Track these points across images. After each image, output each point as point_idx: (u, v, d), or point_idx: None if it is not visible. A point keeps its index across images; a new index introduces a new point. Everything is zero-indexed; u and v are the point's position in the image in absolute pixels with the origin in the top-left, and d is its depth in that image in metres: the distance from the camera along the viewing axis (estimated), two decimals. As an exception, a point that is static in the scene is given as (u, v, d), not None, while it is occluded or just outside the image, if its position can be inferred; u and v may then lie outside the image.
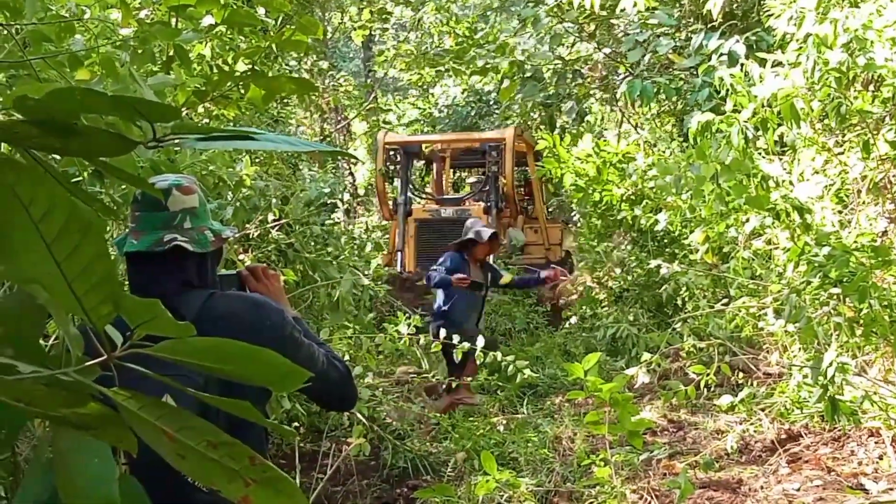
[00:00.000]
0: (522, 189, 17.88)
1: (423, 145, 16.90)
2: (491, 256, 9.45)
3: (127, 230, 2.99)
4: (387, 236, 17.47)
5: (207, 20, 4.43)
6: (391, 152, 15.89)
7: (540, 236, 16.19)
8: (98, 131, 1.25)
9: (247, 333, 2.85)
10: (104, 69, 3.63)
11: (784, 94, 6.50)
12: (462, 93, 22.34)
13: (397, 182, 16.17)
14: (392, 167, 15.82)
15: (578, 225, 17.64)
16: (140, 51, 3.99)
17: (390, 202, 15.86)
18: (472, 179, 18.22)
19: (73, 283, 1.13)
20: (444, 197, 16.71)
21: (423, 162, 17.99)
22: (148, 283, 2.91)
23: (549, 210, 17.59)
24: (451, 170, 18.72)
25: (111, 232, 4.81)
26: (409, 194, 15.77)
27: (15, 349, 1.23)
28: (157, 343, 1.19)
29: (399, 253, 14.96)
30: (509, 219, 15.78)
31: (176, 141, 1.39)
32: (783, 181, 6.64)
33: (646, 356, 7.48)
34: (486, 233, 10.05)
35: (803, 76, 6.60)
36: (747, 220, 6.55)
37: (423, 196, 16.80)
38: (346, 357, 8.12)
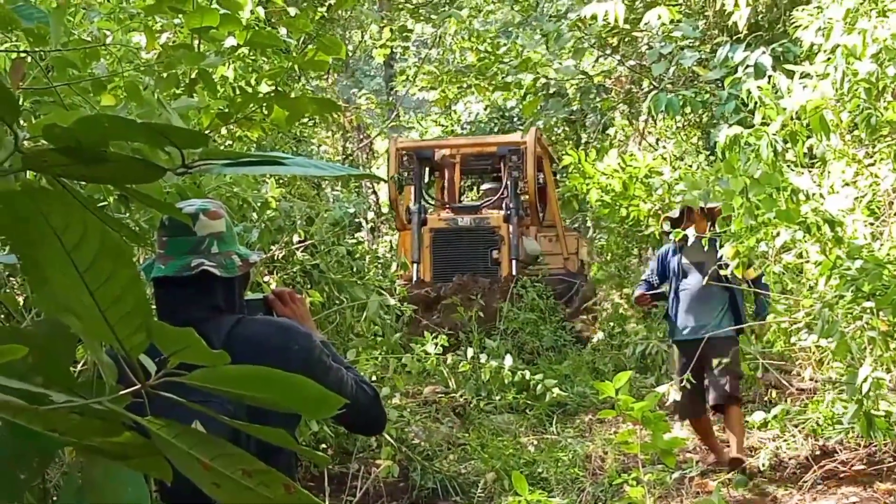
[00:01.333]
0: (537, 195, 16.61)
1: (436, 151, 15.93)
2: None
3: (154, 255, 2.99)
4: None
5: (230, 41, 4.43)
6: (404, 158, 15.05)
7: (556, 245, 15.35)
8: (127, 159, 1.25)
9: (275, 358, 2.83)
10: (128, 94, 3.63)
11: (813, 106, 6.43)
12: (484, 109, 22.32)
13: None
14: (405, 174, 14.97)
15: (592, 233, 17.38)
16: (165, 75, 3.97)
17: (403, 211, 15.10)
18: (486, 186, 17.09)
19: (107, 311, 1.13)
20: (461, 205, 15.95)
21: (433, 169, 16.85)
22: (175, 309, 2.90)
23: (568, 222, 17.10)
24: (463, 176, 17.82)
25: (137, 257, 4.79)
26: (422, 202, 14.94)
27: (45, 377, 1.22)
28: (190, 371, 1.19)
29: (416, 265, 13.95)
30: (528, 228, 15.06)
31: (204, 167, 1.39)
32: (813, 194, 6.56)
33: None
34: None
35: (832, 87, 6.54)
36: (777, 235, 6.48)
37: (438, 203, 16.02)
38: (373, 378, 8.09)
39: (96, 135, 1.18)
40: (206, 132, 4.69)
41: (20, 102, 3.36)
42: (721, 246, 7.03)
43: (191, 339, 1.18)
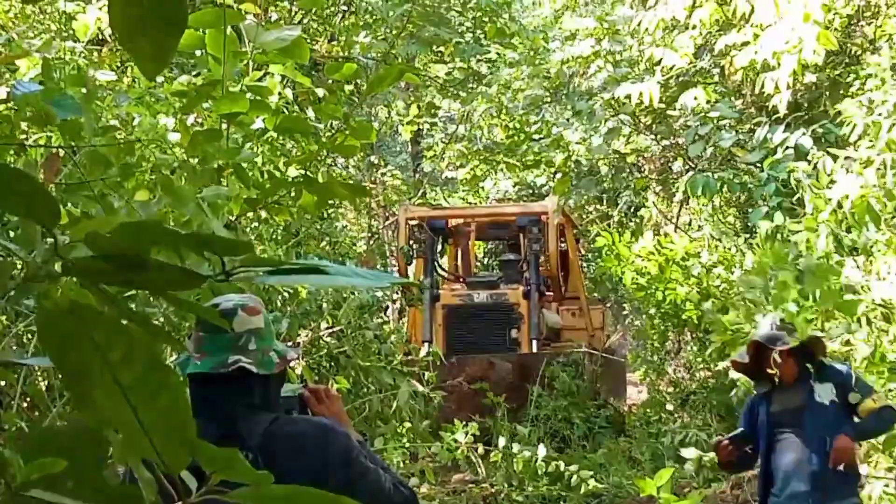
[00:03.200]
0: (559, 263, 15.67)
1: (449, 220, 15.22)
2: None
3: (190, 350, 2.98)
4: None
5: (258, 123, 4.41)
6: (414, 229, 14.27)
7: (580, 319, 14.41)
8: (168, 267, 1.25)
9: (313, 459, 2.87)
10: (163, 189, 3.59)
11: (859, 196, 6.28)
12: (514, 186, 22.29)
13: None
14: (416, 245, 14.17)
15: (630, 318, 17.11)
16: (198, 168, 3.95)
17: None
18: (505, 257, 16.03)
19: (150, 429, 1.14)
20: (476, 279, 14.94)
21: (447, 238, 16.05)
22: (211, 407, 2.88)
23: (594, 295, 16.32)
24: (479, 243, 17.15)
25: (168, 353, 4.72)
26: (434, 276, 14.21)
27: (75, 481, 1.20)
28: (232, 488, 1.19)
29: (427, 344, 12.32)
30: (550, 302, 14.25)
31: (245, 275, 1.39)
32: (863, 284, 6.40)
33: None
34: (780, 338, 5.94)
35: (876, 175, 6.41)
36: (833, 325, 6.28)
37: (451, 277, 15.29)
38: (401, 465, 7.95)
39: (138, 243, 1.21)
40: (233, 217, 4.66)
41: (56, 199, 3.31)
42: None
43: (234, 458, 1.18)
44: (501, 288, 14.03)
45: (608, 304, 17.31)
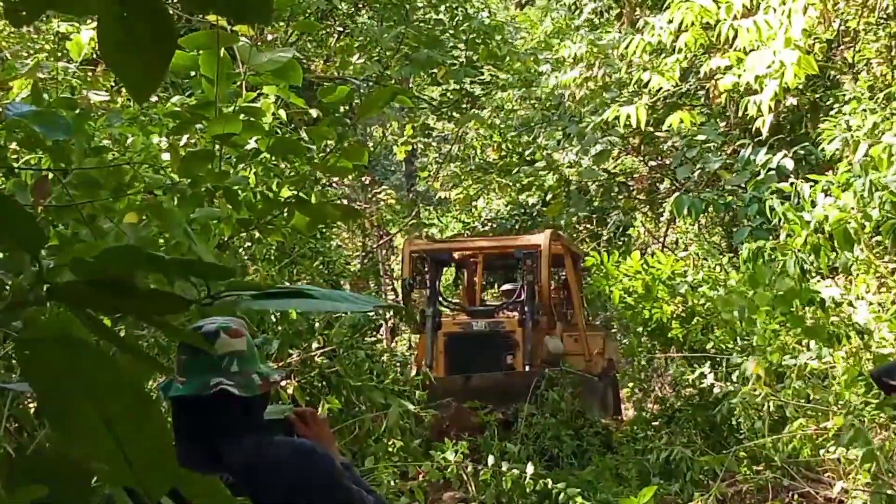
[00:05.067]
0: (562, 293, 16.28)
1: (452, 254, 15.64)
2: None
3: (173, 374, 2.96)
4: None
5: (251, 144, 4.44)
6: (418, 261, 14.59)
7: (578, 345, 14.67)
8: (153, 292, 1.26)
9: (295, 482, 2.85)
10: (151, 213, 3.62)
11: (836, 219, 6.40)
12: (506, 205, 22.36)
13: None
14: (419, 277, 14.53)
15: (619, 335, 17.15)
16: (189, 192, 3.97)
17: (419, 314, 14.48)
18: (505, 287, 16.55)
19: (133, 461, 1.13)
20: (476, 308, 15.40)
21: (452, 268, 16.77)
22: (194, 429, 2.87)
23: (589, 318, 16.59)
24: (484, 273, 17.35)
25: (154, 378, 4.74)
26: (437, 306, 14.43)
27: None
28: None
29: (429, 369, 12.54)
30: (547, 329, 14.36)
31: (230, 299, 1.41)
32: (839, 304, 6.51)
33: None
34: None
35: (854, 198, 6.52)
36: (807, 346, 6.41)
37: (453, 306, 15.60)
38: (391, 485, 7.98)
39: (123, 268, 1.21)
40: (225, 238, 4.69)
41: (43, 223, 3.37)
42: None
43: (215, 486, 1.19)
44: (499, 316, 14.52)
45: (602, 323, 17.42)
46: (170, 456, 1.14)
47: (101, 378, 1.07)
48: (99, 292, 1.22)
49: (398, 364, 11.27)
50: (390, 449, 8.15)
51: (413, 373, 9.70)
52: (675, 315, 9.12)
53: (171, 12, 1.37)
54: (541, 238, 14.25)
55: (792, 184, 7.29)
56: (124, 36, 1.31)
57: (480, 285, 17.29)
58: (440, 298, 14.91)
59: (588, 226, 18.69)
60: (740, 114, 9.94)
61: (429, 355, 13.68)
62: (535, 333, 13.82)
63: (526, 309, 13.86)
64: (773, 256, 6.75)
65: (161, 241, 3.78)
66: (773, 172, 9.87)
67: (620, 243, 17.35)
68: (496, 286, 20.09)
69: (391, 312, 14.97)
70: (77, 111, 4.17)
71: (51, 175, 3.71)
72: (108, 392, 1.08)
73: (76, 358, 1.07)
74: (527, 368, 13.11)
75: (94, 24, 4.43)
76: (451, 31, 16.45)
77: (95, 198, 3.68)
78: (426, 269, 14.57)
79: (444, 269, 15.54)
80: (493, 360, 13.67)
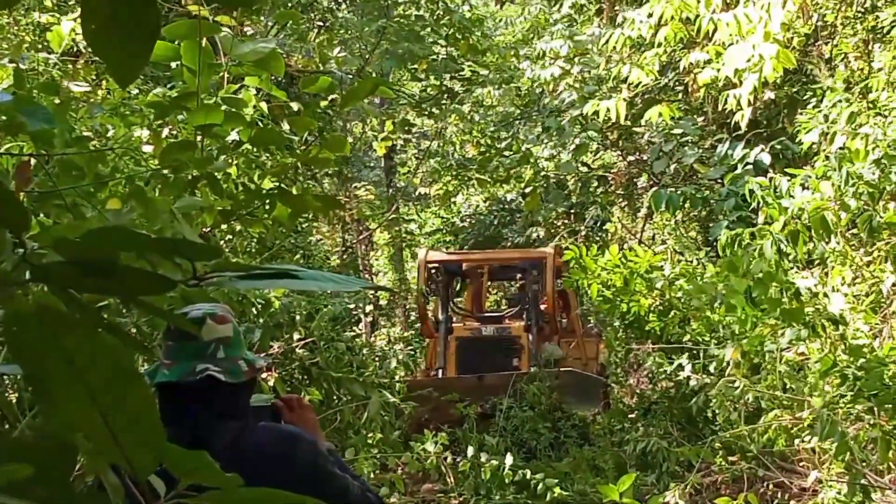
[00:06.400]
0: (560, 302, 17.11)
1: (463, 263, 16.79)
2: None
3: (159, 360, 2.96)
4: (409, 348, 17.34)
5: (233, 136, 4.43)
6: (432, 271, 15.74)
7: (577, 351, 15.69)
8: (137, 272, 1.25)
9: (280, 467, 2.86)
10: (134, 198, 3.60)
11: (814, 207, 6.48)
12: (484, 201, 22.42)
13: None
14: (433, 285, 15.68)
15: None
16: (171, 178, 3.96)
17: (431, 320, 15.73)
18: (511, 296, 18.10)
19: (118, 434, 1.11)
20: (485, 315, 16.50)
21: (463, 278, 17.66)
22: (180, 415, 2.86)
23: (585, 326, 17.20)
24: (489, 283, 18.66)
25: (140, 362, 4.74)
26: (449, 312, 15.55)
27: (46, 489, 1.19)
28: (200, 491, 1.20)
29: (441, 370, 14.58)
30: (549, 335, 15.37)
31: (216, 280, 1.40)
32: (817, 294, 6.58)
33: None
34: None
35: (832, 188, 6.59)
36: (782, 334, 6.47)
37: (462, 312, 16.58)
38: (372, 476, 8.01)
39: (108, 247, 1.19)
40: (207, 228, 4.69)
41: (25, 206, 3.35)
42: None
43: (202, 461, 1.19)
44: (506, 323, 15.48)
45: (596, 330, 17.82)
46: (156, 430, 1.14)
47: (84, 349, 1.07)
48: (83, 273, 1.21)
49: (377, 357, 11.33)
50: (370, 441, 8.17)
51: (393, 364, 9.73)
52: (652, 308, 9.16)
53: (154, -2, 1.34)
54: (547, 251, 15.28)
55: (770, 178, 7.35)
56: (108, 19, 1.29)
57: (486, 294, 18.36)
58: (453, 306, 16.03)
59: (566, 221, 18.85)
60: (719, 108, 10.00)
61: (441, 358, 14.71)
62: (539, 338, 14.80)
63: (532, 316, 14.93)
64: (750, 243, 6.81)
65: (142, 228, 3.76)
66: (750, 167, 9.95)
67: (598, 238, 17.54)
68: (499, 294, 21.26)
69: (370, 307, 15.42)
70: (58, 100, 4.16)
71: (33, 161, 3.71)
72: (91, 363, 1.07)
73: (57, 328, 1.06)
74: (531, 370, 13.77)
75: (75, 15, 4.43)
76: (432, 27, 16.47)
77: (77, 184, 3.66)
78: (439, 278, 15.67)
79: (456, 278, 16.57)
80: (501, 363, 14.39)
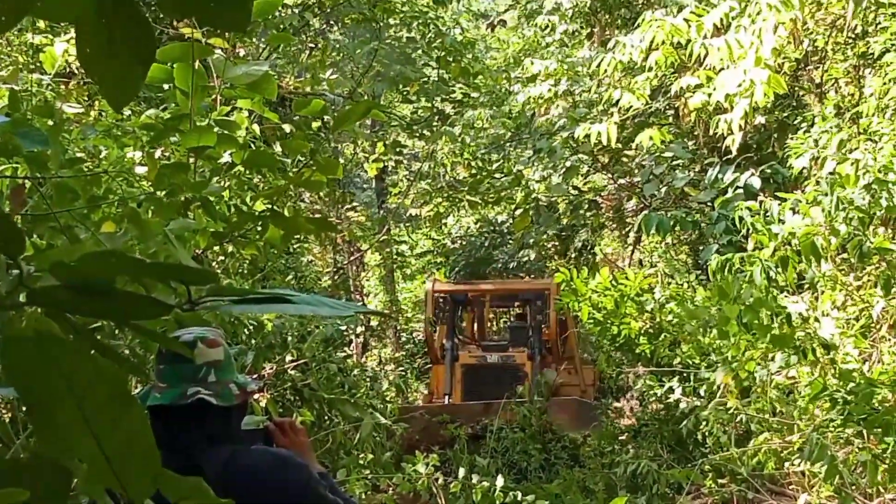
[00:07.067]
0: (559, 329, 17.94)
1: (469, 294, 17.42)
2: None
3: (151, 383, 2.97)
4: (401, 369, 17.64)
5: (225, 157, 4.43)
6: (440, 301, 16.37)
7: (574, 377, 16.06)
8: (133, 296, 1.24)
9: (271, 491, 2.86)
10: (129, 220, 3.61)
11: (804, 233, 6.51)
12: (475, 223, 22.44)
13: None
14: (440, 314, 16.33)
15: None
16: (165, 201, 3.96)
17: (438, 347, 16.18)
18: (512, 324, 18.51)
19: (113, 458, 1.11)
20: (489, 343, 17.09)
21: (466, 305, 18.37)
22: (172, 438, 2.86)
23: (584, 354, 17.47)
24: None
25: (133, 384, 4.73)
26: (455, 340, 16.12)
27: None
28: None
29: (447, 397, 15.09)
30: (550, 363, 15.93)
31: (212, 304, 1.39)
32: (808, 318, 6.61)
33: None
34: None
35: (822, 213, 6.62)
36: (772, 359, 6.49)
37: (465, 339, 17.22)
38: (363, 497, 7.99)
39: (104, 271, 1.19)
40: (199, 250, 4.68)
41: (21, 229, 3.34)
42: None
43: (197, 486, 1.19)
44: (510, 351, 16.04)
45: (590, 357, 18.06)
46: (152, 455, 1.14)
47: (80, 373, 1.06)
48: (79, 296, 1.20)
49: (368, 378, 11.32)
50: (361, 461, 8.16)
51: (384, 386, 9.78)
52: (642, 331, 9.17)
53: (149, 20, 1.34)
54: (549, 282, 15.50)
55: (760, 202, 7.38)
56: (103, 43, 1.29)
57: (487, 321, 19.44)
58: (458, 333, 16.72)
59: (556, 244, 18.97)
60: (711, 132, 10.04)
61: (448, 384, 15.30)
62: (542, 366, 15.41)
63: (534, 345, 15.66)
64: (741, 268, 6.84)
65: (136, 250, 3.76)
66: (740, 190, 9.99)
67: (588, 259, 17.65)
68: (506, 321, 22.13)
69: (361, 328, 15.67)
70: (52, 122, 4.16)
71: (27, 183, 3.71)
72: (87, 387, 1.07)
73: (55, 354, 1.06)
74: (534, 397, 14.17)
75: (68, 36, 4.42)
76: (423, 49, 16.53)
77: (72, 207, 3.67)
78: (446, 307, 16.40)
79: (461, 307, 17.32)
80: (505, 390, 14.58)
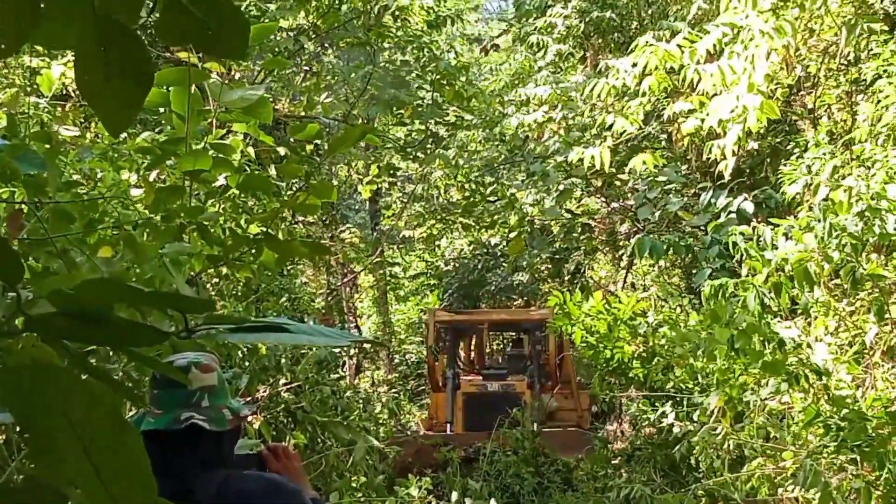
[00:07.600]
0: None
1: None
2: None
3: (145, 408, 2.97)
4: (394, 391, 17.86)
5: (220, 180, 4.44)
6: (441, 331, 16.67)
7: (571, 401, 16.28)
8: (130, 324, 1.25)
9: None
10: (125, 244, 3.62)
11: (797, 259, 6.53)
12: (469, 245, 22.49)
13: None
14: (442, 343, 16.70)
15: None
16: (162, 226, 3.97)
17: (439, 375, 16.54)
18: (511, 352, 19.17)
19: (109, 483, 1.11)
20: (489, 371, 17.30)
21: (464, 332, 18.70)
22: (166, 463, 2.87)
23: (580, 380, 17.59)
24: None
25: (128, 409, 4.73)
26: (456, 368, 16.45)
27: None
28: None
29: (448, 425, 15.32)
30: (548, 390, 16.19)
31: (208, 332, 1.43)
32: (800, 344, 6.62)
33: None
34: None
35: (815, 240, 6.65)
36: (765, 384, 6.50)
37: (467, 367, 17.61)
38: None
39: (102, 300, 1.20)
40: (195, 273, 4.68)
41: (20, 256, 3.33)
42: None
43: None
44: (509, 379, 16.34)
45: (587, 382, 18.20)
46: (148, 481, 1.13)
47: (76, 400, 1.07)
48: (76, 323, 1.22)
49: (361, 400, 11.32)
50: (354, 484, 8.14)
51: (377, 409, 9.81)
52: (636, 355, 9.18)
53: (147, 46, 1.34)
54: (549, 312, 15.41)
55: (753, 227, 7.40)
56: (101, 69, 1.29)
57: (486, 348, 19.90)
58: (459, 362, 17.15)
59: (549, 266, 19.06)
60: (704, 157, 10.07)
61: (449, 412, 15.61)
62: (541, 394, 15.78)
63: (533, 373, 16.11)
64: (734, 293, 6.86)
65: (133, 274, 3.77)
66: (733, 215, 10.03)
67: (580, 283, 17.69)
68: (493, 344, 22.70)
69: (354, 350, 15.89)
70: (49, 146, 4.16)
71: (25, 208, 3.72)
72: (84, 414, 1.07)
73: (53, 382, 1.07)
74: (534, 425, 14.28)
75: (65, 59, 4.42)
76: (418, 73, 16.59)
77: (69, 231, 3.67)
78: (447, 336, 16.78)
79: (462, 336, 17.77)
80: (505, 417, 14.70)
